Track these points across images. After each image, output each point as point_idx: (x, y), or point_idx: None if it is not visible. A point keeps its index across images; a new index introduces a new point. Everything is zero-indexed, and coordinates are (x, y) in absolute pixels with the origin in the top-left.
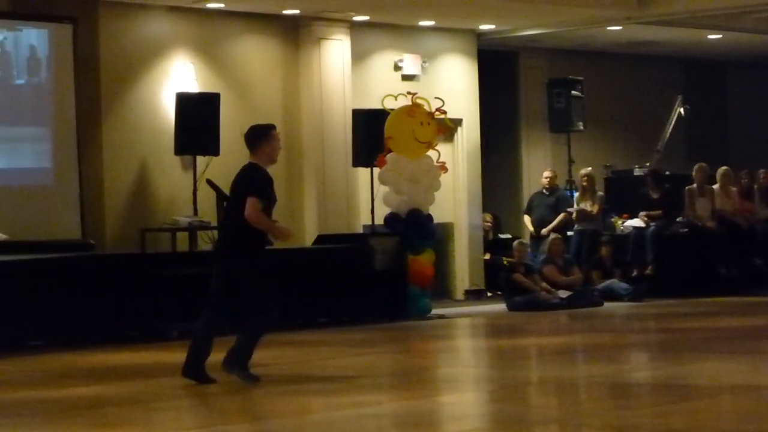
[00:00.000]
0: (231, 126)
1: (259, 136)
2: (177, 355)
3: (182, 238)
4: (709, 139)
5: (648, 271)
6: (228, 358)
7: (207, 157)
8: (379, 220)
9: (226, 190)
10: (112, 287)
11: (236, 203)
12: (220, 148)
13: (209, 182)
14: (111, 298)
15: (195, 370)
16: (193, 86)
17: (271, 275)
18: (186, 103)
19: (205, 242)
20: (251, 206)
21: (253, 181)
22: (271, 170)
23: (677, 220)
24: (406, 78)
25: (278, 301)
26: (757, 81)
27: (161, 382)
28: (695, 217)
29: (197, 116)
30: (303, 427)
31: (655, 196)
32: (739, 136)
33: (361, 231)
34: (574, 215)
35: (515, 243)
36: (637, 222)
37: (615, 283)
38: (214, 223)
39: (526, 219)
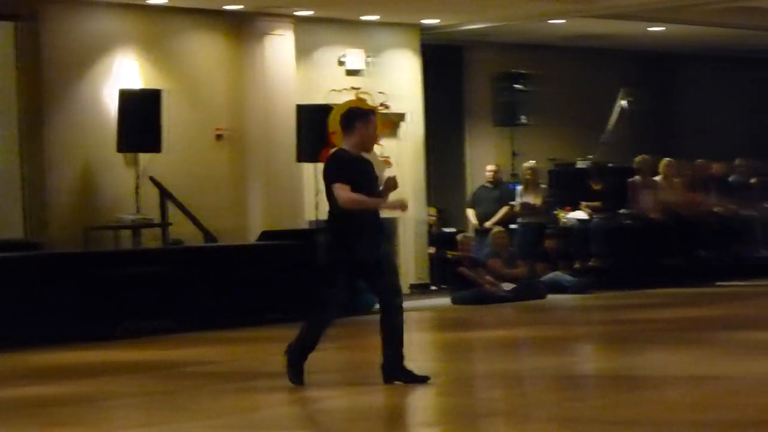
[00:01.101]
0: (174, 122)
1: (357, 117)
2: (124, 354)
3: (126, 236)
4: (655, 131)
5: (593, 263)
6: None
7: (150, 154)
8: (324, 215)
9: (169, 188)
10: (57, 286)
11: (327, 195)
12: (163, 144)
13: (152, 180)
14: (56, 297)
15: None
16: (137, 83)
17: (350, 270)
18: (128, 99)
19: (149, 240)
20: (339, 191)
21: (332, 169)
22: (213, 167)
23: (621, 212)
24: (351, 73)
25: (336, 301)
26: (702, 73)
27: (109, 381)
28: (639, 208)
29: (140, 113)
30: (253, 423)
31: (596, 187)
32: (684, 128)
33: (306, 226)
34: (517, 208)
35: (460, 236)
36: (580, 214)
37: (560, 275)
38: (158, 221)
39: (470, 212)
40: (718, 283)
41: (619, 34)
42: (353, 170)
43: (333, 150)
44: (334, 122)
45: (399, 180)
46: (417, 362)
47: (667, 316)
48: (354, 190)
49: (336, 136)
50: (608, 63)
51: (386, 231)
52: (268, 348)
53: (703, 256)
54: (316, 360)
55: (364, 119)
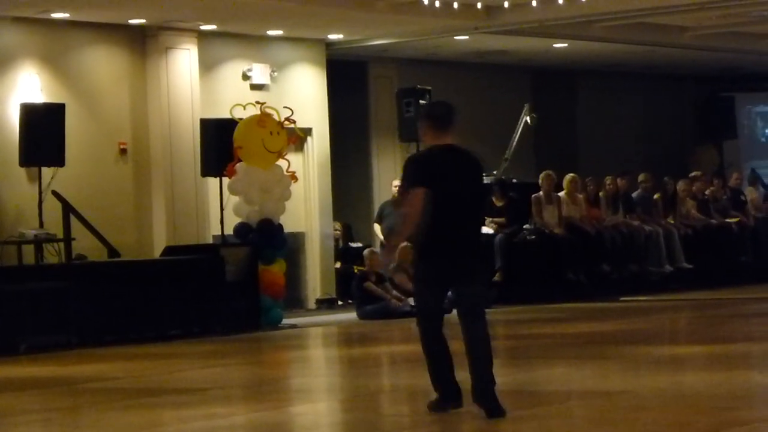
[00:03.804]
0: (77, 137)
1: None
2: (25, 369)
3: (28, 251)
4: (558, 147)
5: (496, 278)
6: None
7: (53, 168)
8: (230, 231)
9: (73, 202)
10: None
11: (480, 200)
12: (66, 159)
13: (55, 194)
14: None
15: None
16: (39, 97)
17: None
18: (31, 114)
19: (52, 255)
20: None
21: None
22: (117, 181)
23: (525, 227)
24: (255, 87)
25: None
26: (605, 89)
27: (10, 397)
28: (543, 224)
29: (42, 127)
30: None
31: (499, 204)
32: (588, 144)
33: (211, 241)
34: None
35: (366, 251)
36: (485, 229)
37: None
38: (61, 236)
39: (377, 228)
40: (622, 298)
41: (522, 50)
42: None
43: (461, 147)
44: (239, 137)
45: (305, 194)
46: (323, 378)
47: (571, 330)
48: None
49: (241, 150)
50: (512, 79)
51: None
52: (172, 364)
53: (606, 271)
54: (219, 376)
55: None
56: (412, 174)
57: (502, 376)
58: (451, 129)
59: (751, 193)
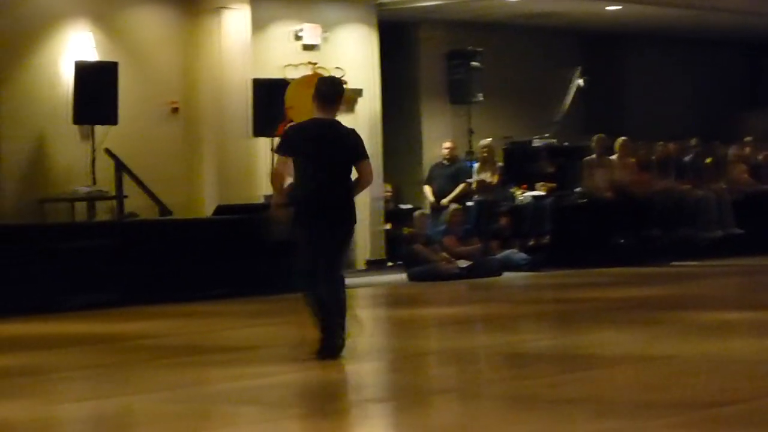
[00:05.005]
0: (129, 95)
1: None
2: (75, 326)
3: (81, 208)
4: (606, 110)
5: (546, 241)
6: None
7: (106, 126)
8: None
9: (125, 160)
10: (10, 258)
11: (347, 166)
12: (119, 117)
13: (108, 152)
14: (9, 268)
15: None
16: (92, 55)
17: None
18: (84, 72)
19: (105, 213)
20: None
21: (363, 145)
22: (169, 139)
23: (575, 190)
24: (307, 48)
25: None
26: (654, 53)
27: (58, 353)
28: (593, 187)
29: (96, 85)
30: (203, 397)
31: (549, 170)
32: (636, 108)
33: (261, 201)
34: (473, 186)
35: (416, 213)
36: (536, 193)
37: (514, 253)
38: (113, 193)
39: (427, 189)
40: (673, 263)
41: (572, 12)
42: None
43: (338, 122)
44: (290, 97)
45: None
46: (371, 338)
47: (619, 295)
48: None
49: (292, 110)
50: (562, 42)
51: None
52: (220, 323)
53: (655, 235)
54: (267, 335)
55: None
56: (282, 143)
57: (551, 339)
58: (335, 106)
59: None
